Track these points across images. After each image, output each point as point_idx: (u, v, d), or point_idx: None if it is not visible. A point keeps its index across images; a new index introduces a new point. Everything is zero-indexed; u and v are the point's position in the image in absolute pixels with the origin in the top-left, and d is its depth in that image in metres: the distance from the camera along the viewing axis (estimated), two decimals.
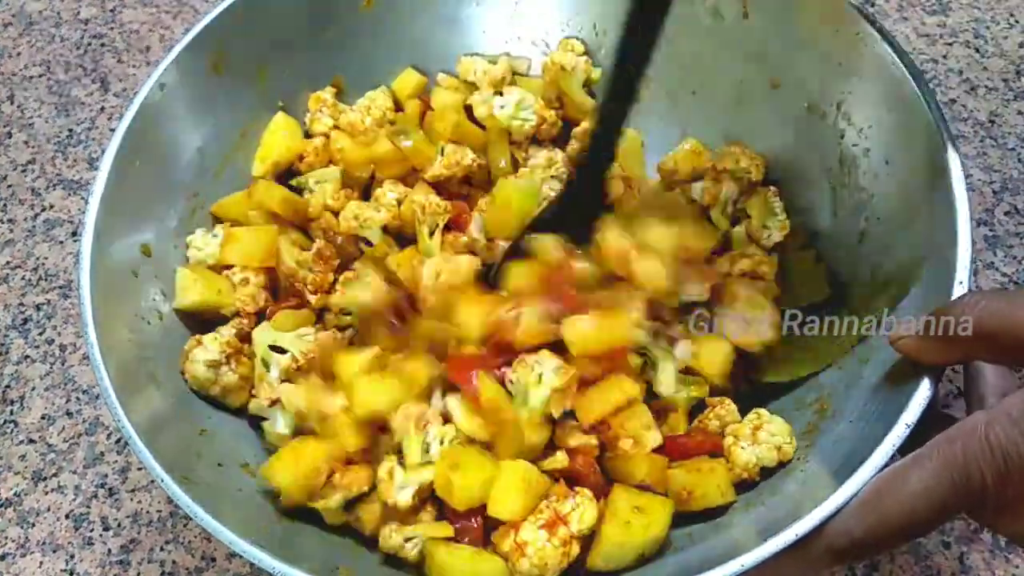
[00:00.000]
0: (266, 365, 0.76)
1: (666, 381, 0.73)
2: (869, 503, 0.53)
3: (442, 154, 0.84)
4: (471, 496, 0.65)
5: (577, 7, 0.93)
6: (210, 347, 0.74)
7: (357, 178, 0.87)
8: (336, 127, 0.89)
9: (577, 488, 0.68)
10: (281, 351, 0.76)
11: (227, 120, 0.85)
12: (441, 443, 0.68)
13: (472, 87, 0.92)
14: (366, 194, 0.88)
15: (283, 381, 0.75)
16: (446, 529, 0.67)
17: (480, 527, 0.67)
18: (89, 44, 1.17)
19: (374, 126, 0.87)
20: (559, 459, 0.69)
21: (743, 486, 0.70)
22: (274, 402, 0.74)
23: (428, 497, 0.69)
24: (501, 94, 0.90)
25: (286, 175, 0.89)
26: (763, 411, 0.72)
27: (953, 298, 0.57)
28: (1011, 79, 1.05)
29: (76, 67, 1.14)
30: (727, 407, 0.73)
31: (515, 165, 0.90)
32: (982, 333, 0.53)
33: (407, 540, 0.67)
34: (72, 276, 0.96)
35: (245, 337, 0.78)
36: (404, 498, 0.67)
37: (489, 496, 0.65)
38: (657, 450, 0.70)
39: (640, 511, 0.65)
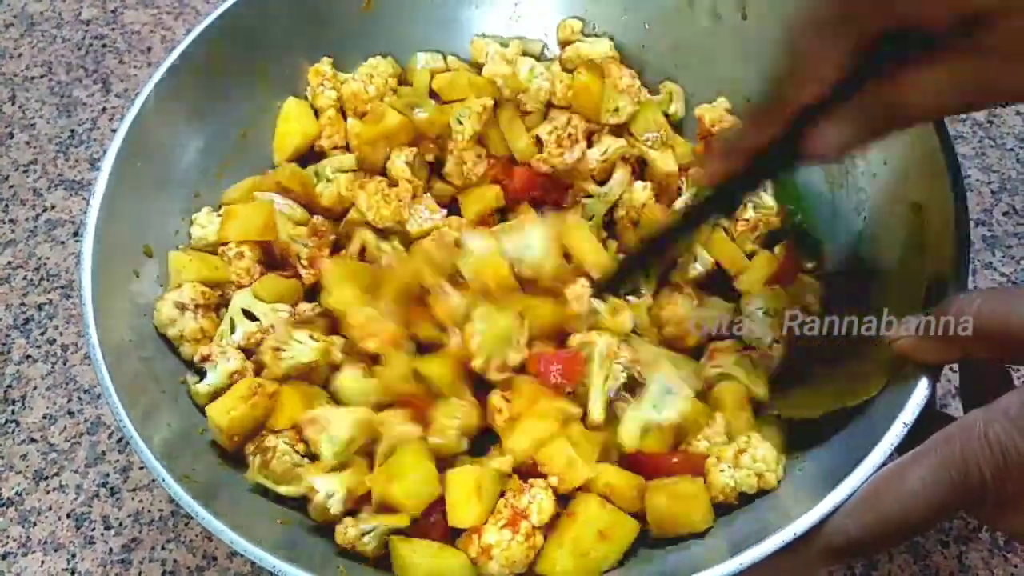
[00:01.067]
0: (232, 327, 0.75)
1: (629, 434, 0.70)
2: (867, 502, 0.53)
3: (460, 122, 0.83)
4: (420, 498, 0.65)
5: (576, 9, 0.94)
6: (185, 290, 0.74)
7: (372, 163, 0.86)
8: (339, 101, 0.88)
9: (531, 480, 0.66)
10: (253, 319, 0.75)
11: (228, 120, 0.85)
12: (332, 440, 0.68)
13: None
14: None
15: (240, 349, 0.74)
16: (402, 519, 0.65)
17: (443, 521, 0.65)
18: (91, 45, 1.17)
19: (378, 97, 0.87)
20: (505, 462, 0.68)
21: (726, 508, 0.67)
22: (206, 358, 0.72)
23: (363, 498, 0.68)
24: None
25: (309, 158, 0.89)
26: (755, 435, 0.68)
27: (951, 298, 0.58)
28: None
29: (78, 68, 1.14)
30: (716, 427, 0.70)
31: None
32: (982, 332, 0.53)
33: (364, 535, 0.65)
34: (74, 276, 0.96)
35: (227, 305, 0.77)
36: (336, 508, 0.66)
37: (447, 507, 0.65)
38: (634, 467, 0.69)
39: (604, 538, 0.63)
